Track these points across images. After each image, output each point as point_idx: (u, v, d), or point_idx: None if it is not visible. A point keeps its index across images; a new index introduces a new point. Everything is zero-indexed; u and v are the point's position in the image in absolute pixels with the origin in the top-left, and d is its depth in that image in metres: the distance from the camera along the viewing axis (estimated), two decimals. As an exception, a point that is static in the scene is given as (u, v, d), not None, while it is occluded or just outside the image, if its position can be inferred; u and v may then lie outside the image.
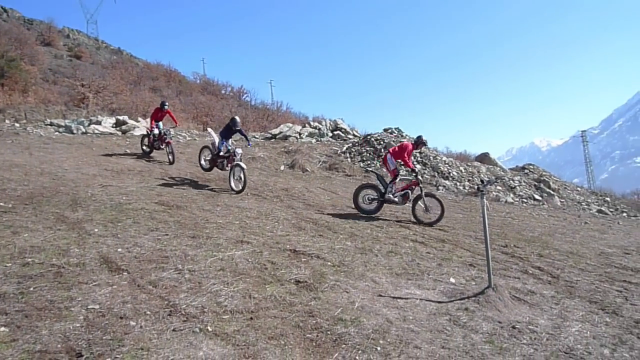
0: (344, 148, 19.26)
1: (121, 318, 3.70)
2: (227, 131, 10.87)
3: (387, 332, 4.00)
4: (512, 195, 16.61)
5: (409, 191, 9.49)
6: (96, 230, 6.04)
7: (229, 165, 10.54)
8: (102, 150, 13.50)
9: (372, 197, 9.57)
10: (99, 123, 17.72)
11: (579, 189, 21.99)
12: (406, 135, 20.27)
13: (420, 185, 9.49)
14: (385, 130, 20.92)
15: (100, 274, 4.58)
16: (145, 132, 13.98)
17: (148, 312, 3.84)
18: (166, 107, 13.37)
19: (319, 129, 22.63)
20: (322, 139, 21.68)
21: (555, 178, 21.73)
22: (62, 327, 3.46)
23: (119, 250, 5.33)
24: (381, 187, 9.53)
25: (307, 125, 23.83)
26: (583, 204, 18.09)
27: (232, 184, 10.23)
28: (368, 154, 18.24)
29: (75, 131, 16.51)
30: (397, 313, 4.46)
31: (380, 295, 4.91)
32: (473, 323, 4.42)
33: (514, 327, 4.42)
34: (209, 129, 13.48)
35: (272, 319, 3.99)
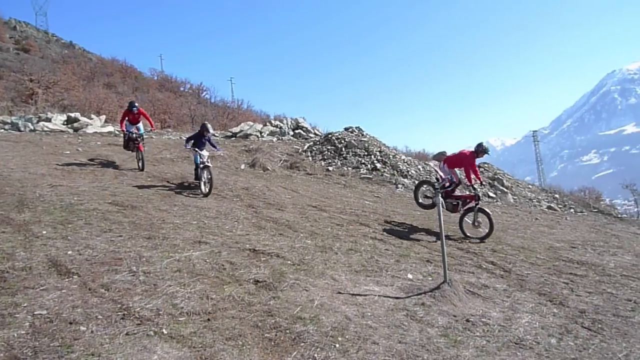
0: (305, 147, 19.26)
1: (70, 323, 3.55)
2: (199, 139, 10.37)
3: (346, 329, 4.04)
4: (467, 192, 17.13)
5: (461, 202, 9.00)
6: (44, 232, 5.76)
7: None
8: (52, 149, 12.88)
9: (428, 194, 9.93)
10: (48, 120, 16.90)
11: (530, 186, 22.93)
12: (367, 134, 20.50)
13: (478, 201, 8.89)
14: (346, 129, 21.07)
15: (48, 278, 4.38)
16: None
17: (99, 317, 3.70)
18: (135, 108, 11.87)
19: (280, 128, 22.54)
20: (283, 137, 21.59)
21: (509, 176, 22.57)
22: (6, 335, 3.29)
23: (69, 252, 5.11)
24: (437, 186, 9.52)
25: (268, 123, 23.68)
26: (534, 200, 18.89)
27: (202, 187, 9.84)
28: (329, 153, 18.33)
29: (22, 128, 15.69)
30: (356, 310, 4.51)
31: (340, 293, 4.96)
32: (429, 317, 4.53)
33: (468, 320, 4.57)
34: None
35: (230, 320, 3.95)
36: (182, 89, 33.79)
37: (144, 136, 12.19)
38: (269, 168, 15.06)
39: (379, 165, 17.17)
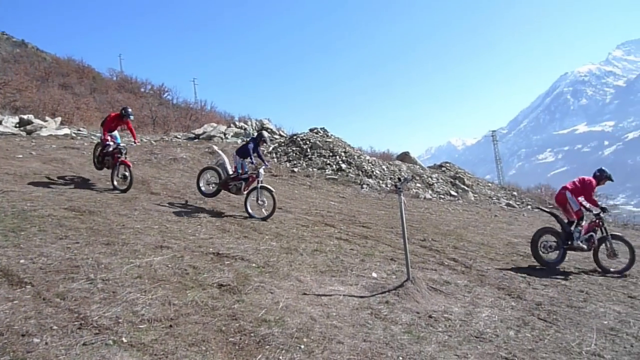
0: (270, 148, 19.18)
1: (23, 335, 3.39)
2: (253, 148, 9.27)
3: (311, 329, 4.04)
4: (430, 191, 17.53)
5: (593, 234, 7.76)
6: (-6, 241, 5.48)
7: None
8: (3, 153, 12.26)
9: (552, 244, 7.85)
10: (-1, 123, 16.09)
11: (490, 184, 23.73)
12: (332, 135, 20.62)
13: (604, 226, 7.84)
14: (311, 130, 21.14)
15: (-2, 289, 4.16)
16: (100, 141, 10.33)
17: (54, 327, 3.55)
18: (130, 116, 10.02)
19: (245, 129, 22.35)
20: (246, 139, 21.43)
21: (470, 175, 23.27)
22: (-49, 351, 3.10)
23: (22, 261, 4.87)
24: (562, 233, 7.90)
25: (232, 125, 23.43)
26: (494, 198, 19.55)
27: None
28: (294, 154, 18.33)
29: (-31, 132, 14.86)
30: (321, 310, 4.53)
31: (305, 294, 4.96)
32: (393, 315, 4.60)
33: (430, 317, 4.67)
34: (215, 147, 12.00)
35: (193, 325, 3.88)
36: (142, 89, 32.92)
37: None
38: (233, 170, 14.92)
39: (344, 166, 17.32)
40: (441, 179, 19.68)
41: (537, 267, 7.47)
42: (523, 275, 6.89)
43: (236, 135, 21.42)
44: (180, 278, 4.94)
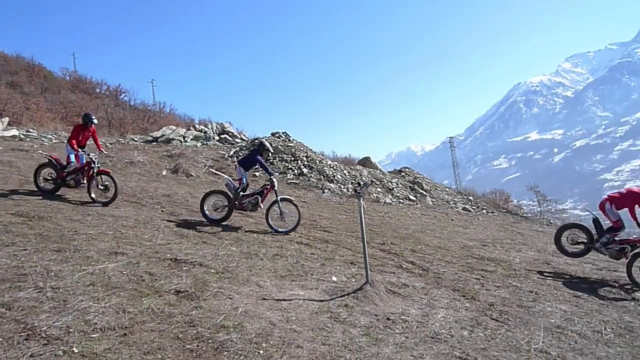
0: (231, 152, 18.97)
1: (-37, 348, 3.20)
2: (251, 161, 9.05)
3: (270, 334, 4.03)
4: (390, 196, 17.85)
5: (629, 247, 7.65)
6: None
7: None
8: (-57, 155, 11.54)
9: (579, 239, 8.39)
10: (-62, 123, 15.13)
11: (447, 189, 24.40)
12: (293, 139, 20.63)
13: None
14: (273, 134, 21.07)
15: (-64, 299, 3.91)
16: (47, 161, 9.16)
17: (-1, 339, 3.38)
18: (94, 122, 9.26)
19: (205, 133, 22.01)
20: (208, 142, 21.10)
21: (428, 180, 23.84)
22: None
23: (-37, 270, 4.61)
24: (593, 231, 8.19)
25: (192, 128, 23.03)
26: (451, 202, 20.11)
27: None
28: (256, 158, 18.22)
29: None
30: (281, 315, 4.52)
31: (265, 299, 4.94)
32: (352, 318, 4.66)
33: (388, 319, 4.76)
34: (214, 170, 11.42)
35: (149, 333, 3.78)
36: (98, 90, 31.77)
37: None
38: (192, 174, 14.65)
39: (305, 171, 17.36)
40: (401, 183, 20.07)
41: (490, 269, 7.76)
42: (477, 277, 7.13)
43: (196, 138, 21.06)
44: (136, 285, 4.81)
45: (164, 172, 14.24)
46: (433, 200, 19.41)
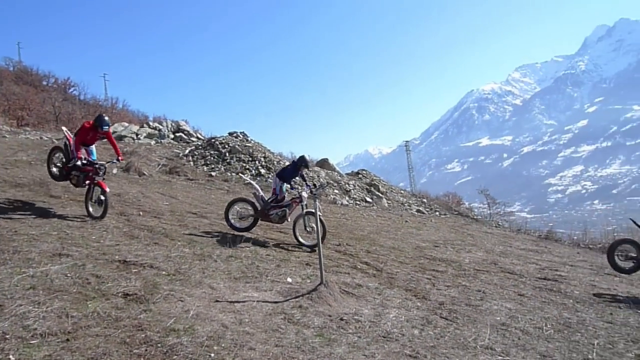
0: (187, 151, 18.56)
1: None
2: (293, 171, 8.85)
3: (222, 337, 3.96)
4: (347, 198, 18.02)
5: None
6: None
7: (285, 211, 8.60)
8: None
9: (631, 254, 8.32)
10: None
11: (402, 191, 24.94)
12: (251, 139, 20.44)
13: None
14: (230, 134, 20.78)
15: None
16: (64, 143, 8.43)
17: None
18: (107, 127, 8.35)
19: (160, 130, 21.41)
20: (162, 140, 20.54)
21: (384, 182, 24.27)
22: None
23: None
24: None
25: (146, 125, 22.34)
26: (405, 204, 20.56)
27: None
28: (212, 158, 17.89)
29: None
30: (234, 317, 4.46)
31: (217, 301, 4.85)
32: (306, 319, 4.66)
33: (341, 319, 4.80)
34: (248, 179, 10.90)
35: (94, 338, 3.62)
36: (45, 83, 30.20)
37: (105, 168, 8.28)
38: (145, 173, 14.19)
39: (263, 171, 17.24)
40: (358, 185, 20.31)
41: (441, 269, 7.99)
42: (429, 277, 7.33)
43: (150, 136, 20.44)
44: (81, 288, 4.60)
45: (115, 171, 13.71)
46: (389, 202, 19.77)
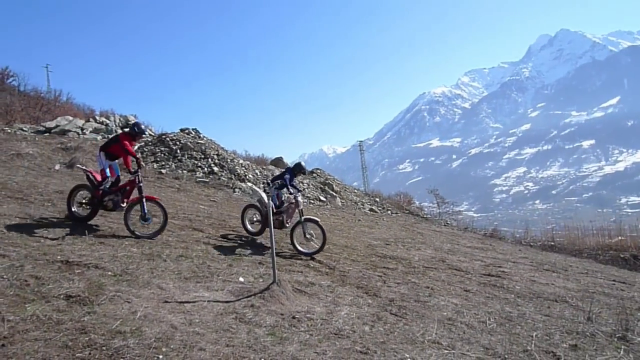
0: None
1: None
2: (292, 177, 8.81)
3: (171, 338, 3.87)
4: (301, 196, 18.07)
5: None
6: None
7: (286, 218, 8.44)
8: None
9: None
10: None
11: (356, 191, 25.31)
12: (203, 136, 20.04)
13: None
14: (182, 130, 20.26)
15: None
16: (86, 176, 7.61)
17: None
18: (144, 134, 8.09)
19: (107, 125, 20.56)
20: (109, 136, 19.70)
21: (338, 181, 24.53)
22: None
23: None
24: None
25: (92, 119, 21.38)
26: (359, 204, 20.88)
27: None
28: (163, 155, 17.39)
29: None
30: (183, 318, 4.37)
31: (166, 302, 4.73)
32: (258, 318, 4.64)
33: (294, 317, 4.81)
34: (253, 186, 10.02)
35: (32, 343, 3.44)
36: (-22, 72, 28.15)
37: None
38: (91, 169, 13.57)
39: (216, 169, 16.95)
40: (312, 184, 20.40)
41: (392, 267, 8.19)
42: (380, 274, 7.49)
43: (96, 131, 19.57)
44: (19, 290, 4.35)
45: (57, 167, 13.02)
46: (342, 201, 19.99)
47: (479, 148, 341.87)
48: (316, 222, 8.20)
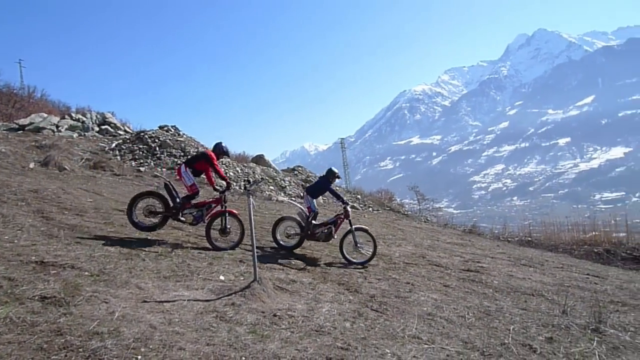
0: (113, 145, 17.61)
1: None
2: (323, 186, 8.70)
3: (150, 338, 3.82)
4: (283, 194, 18.02)
5: None
6: None
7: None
8: None
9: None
10: None
11: (337, 188, 25.37)
12: (183, 133, 19.81)
13: None
14: (161, 127, 20.00)
15: None
16: (165, 184, 7.83)
17: None
18: (228, 154, 8.55)
19: (83, 122, 20.11)
20: (86, 133, 19.32)
21: (320, 178, 24.55)
22: None
23: None
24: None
25: (67, 116, 20.89)
26: (340, 201, 20.93)
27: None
28: (141, 153, 17.12)
29: None
30: (162, 317, 4.31)
31: (145, 301, 4.66)
32: (238, 316, 4.61)
33: (275, 315, 4.80)
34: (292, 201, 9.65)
35: (5, 346, 3.35)
36: (-54, 67, 27.24)
37: None
38: (66, 168, 13.28)
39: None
40: (293, 182, 20.38)
41: (373, 263, 8.23)
42: (361, 270, 7.54)
43: (72, 128, 19.14)
44: (-9, 292, 4.23)
45: (32, 165, 12.71)
46: (324, 198, 20.01)
47: (458, 145, 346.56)
48: (366, 231, 8.22)
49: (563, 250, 13.69)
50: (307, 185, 8.69)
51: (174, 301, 4.80)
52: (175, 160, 16.88)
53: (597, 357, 4.74)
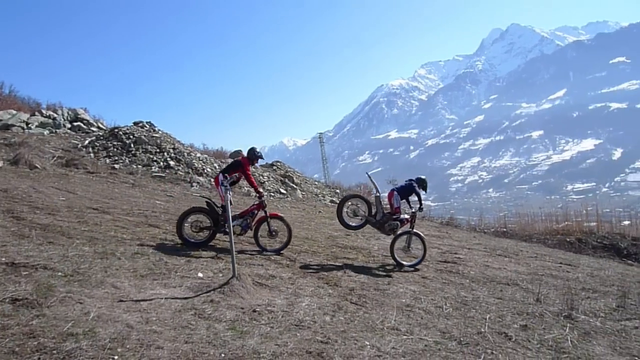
0: (87, 142, 17.21)
1: None
2: (410, 191, 8.64)
3: (127, 338, 3.76)
4: (261, 189, 17.95)
5: None
6: None
7: None
8: None
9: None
10: None
11: (317, 183, 25.41)
12: (159, 130, 19.48)
13: None
14: (135, 123, 19.63)
15: None
16: (206, 202, 7.79)
17: None
18: (262, 158, 8.68)
19: (54, 119, 19.56)
20: (57, 130, 18.80)
21: (299, 174, 24.51)
22: None
23: None
24: None
25: (37, 113, 20.26)
26: (319, 195, 20.97)
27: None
28: (116, 149, 16.77)
29: None
30: (139, 316, 4.24)
31: (122, 301, 4.58)
32: (217, 313, 4.58)
33: (254, 311, 4.78)
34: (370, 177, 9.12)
35: (-25, 350, 3.25)
36: None
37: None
38: (37, 166, 12.92)
39: (172, 163, 16.53)
40: (272, 177, 20.30)
41: (352, 256, 8.28)
42: (340, 264, 7.58)
43: (42, 125, 18.59)
44: (-42, 295, 4.09)
45: (0, 164, 12.30)
46: (303, 193, 20.01)
47: (435, 139, 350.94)
48: (422, 238, 8.17)
49: (537, 240, 14.05)
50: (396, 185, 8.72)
51: (151, 300, 4.73)
52: (151, 156, 16.59)
53: (569, 342, 4.89)
